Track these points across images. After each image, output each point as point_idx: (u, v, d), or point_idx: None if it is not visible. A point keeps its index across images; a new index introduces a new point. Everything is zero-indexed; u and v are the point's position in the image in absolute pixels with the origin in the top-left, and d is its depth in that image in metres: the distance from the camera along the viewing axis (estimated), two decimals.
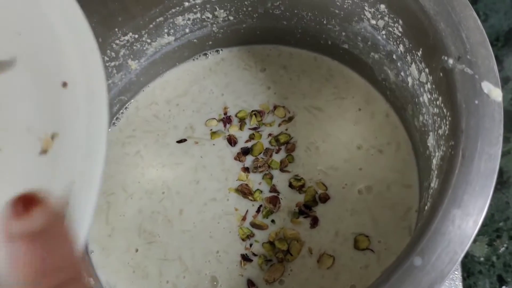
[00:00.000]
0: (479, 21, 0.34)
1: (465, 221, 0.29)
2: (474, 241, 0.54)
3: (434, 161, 0.39)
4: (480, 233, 0.55)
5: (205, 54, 0.60)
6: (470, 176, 0.30)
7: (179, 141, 0.54)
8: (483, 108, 0.32)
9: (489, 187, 0.29)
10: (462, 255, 0.28)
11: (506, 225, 0.55)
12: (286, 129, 0.53)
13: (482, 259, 0.55)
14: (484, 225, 0.56)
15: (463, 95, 0.33)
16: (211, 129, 0.55)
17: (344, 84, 0.55)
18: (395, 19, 0.42)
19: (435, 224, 0.29)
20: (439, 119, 0.37)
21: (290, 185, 0.50)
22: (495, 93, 0.32)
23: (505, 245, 0.54)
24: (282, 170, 0.51)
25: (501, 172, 0.58)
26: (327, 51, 0.56)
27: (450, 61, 0.34)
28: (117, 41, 0.50)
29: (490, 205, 0.56)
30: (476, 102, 0.32)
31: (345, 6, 0.47)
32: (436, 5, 0.36)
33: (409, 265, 0.28)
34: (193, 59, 0.60)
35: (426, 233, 0.29)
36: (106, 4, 0.45)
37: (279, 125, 0.54)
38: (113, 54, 0.51)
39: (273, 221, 0.49)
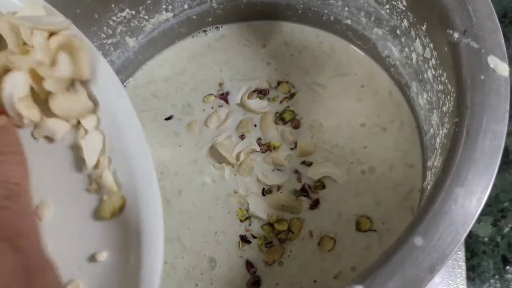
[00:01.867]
0: None
1: (469, 200, 0.28)
2: (479, 221, 0.54)
3: (438, 140, 0.38)
4: (485, 213, 0.55)
5: (205, 31, 0.58)
6: (475, 154, 0.29)
7: (167, 119, 0.53)
8: (488, 83, 0.30)
9: (494, 165, 0.28)
10: (465, 235, 0.27)
11: (511, 205, 0.54)
12: (288, 106, 0.52)
13: (486, 239, 0.54)
14: (488, 205, 0.55)
15: (468, 70, 0.31)
16: (212, 106, 0.54)
17: (347, 61, 0.54)
18: None
19: (437, 203, 0.28)
20: (443, 95, 0.36)
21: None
22: (502, 68, 0.30)
23: (509, 225, 0.54)
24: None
25: (506, 152, 0.57)
26: (329, 27, 0.55)
27: (456, 35, 0.33)
28: (114, 18, 0.49)
29: (495, 185, 0.55)
30: (482, 77, 0.31)
31: None
32: None
33: (410, 245, 0.27)
34: (192, 36, 0.58)
35: (428, 213, 0.28)
36: None
37: (281, 101, 0.53)
38: (110, 31, 0.49)
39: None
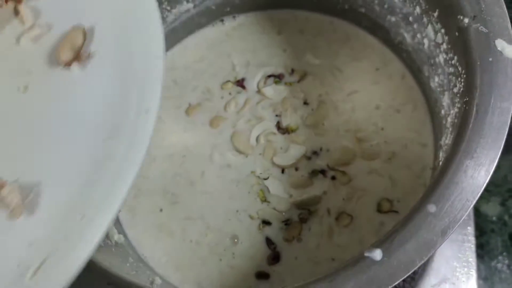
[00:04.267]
0: None
1: (477, 171, 0.30)
2: (487, 201, 0.56)
3: (449, 119, 0.40)
4: (493, 193, 0.57)
5: (222, 20, 0.61)
6: (483, 130, 0.31)
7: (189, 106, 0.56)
8: (496, 64, 0.33)
9: (500, 139, 0.31)
10: (474, 202, 0.29)
11: None
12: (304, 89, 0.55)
13: (494, 218, 0.56)
14: (497, 185, 0.58)
15: (477, 52, 0.34)
16: (229, 93, 0.56)
17: (361, 46, 0.56)
18: None
19: (449, 174, 0.31)
20: (454, 77, 0.39)
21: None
22: (508, 50, 0.33)
23: None
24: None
25: None
26: (343, 15, 0.57)
27: (466, 20, 0.35)
28: None
29: (503, 165, 0.58)
30: (490, 59, 0.33)
31: None
32: None
33: (424, 212, 0.30)
34: (212, 25, 0.61)
35: (441, 183, 0.30)
36: None
37: (298, 81, 0.55)
38: None
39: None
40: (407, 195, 0.48)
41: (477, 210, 0.55)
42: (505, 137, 0.31)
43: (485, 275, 0.53)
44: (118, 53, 0.32)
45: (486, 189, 0.30)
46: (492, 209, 0.56)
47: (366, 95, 0.53)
